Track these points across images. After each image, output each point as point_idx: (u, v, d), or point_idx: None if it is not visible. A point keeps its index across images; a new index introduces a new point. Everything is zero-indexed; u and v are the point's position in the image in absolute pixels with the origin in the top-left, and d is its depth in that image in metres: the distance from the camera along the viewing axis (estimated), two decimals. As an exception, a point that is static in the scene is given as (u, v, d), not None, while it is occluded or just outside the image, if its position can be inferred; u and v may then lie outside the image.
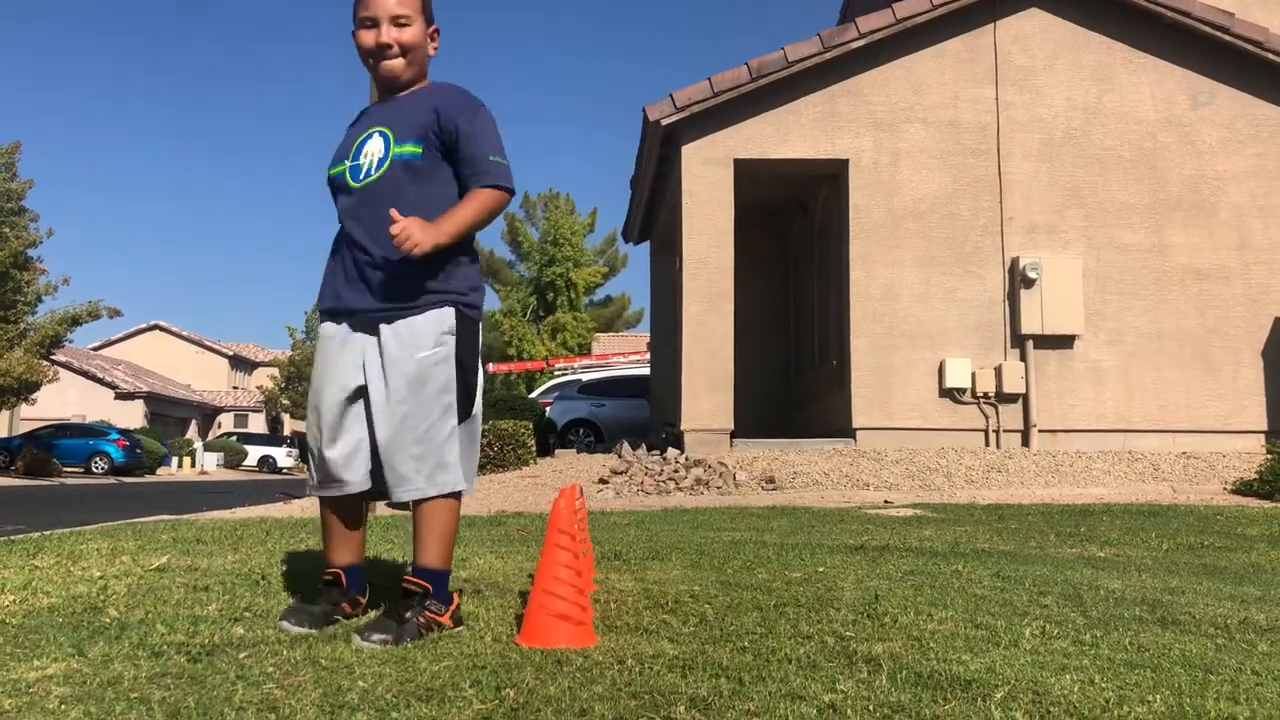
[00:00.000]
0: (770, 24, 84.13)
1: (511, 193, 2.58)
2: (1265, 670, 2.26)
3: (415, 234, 2.38)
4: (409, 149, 2.57)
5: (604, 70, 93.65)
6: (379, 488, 2.55)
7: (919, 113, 11.55)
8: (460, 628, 2.47)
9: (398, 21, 2.61)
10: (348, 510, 2.61)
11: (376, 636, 2.29)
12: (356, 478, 2.52)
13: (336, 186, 2.66)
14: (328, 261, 2.69)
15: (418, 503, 2.50)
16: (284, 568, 3.55)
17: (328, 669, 2.08)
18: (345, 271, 2.59)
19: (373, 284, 2.53)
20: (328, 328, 2.62)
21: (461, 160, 2.57)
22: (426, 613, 2.42)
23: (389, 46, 2.60)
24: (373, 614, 2.61)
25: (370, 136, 2.64)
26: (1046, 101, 11.56)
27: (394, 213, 2.42)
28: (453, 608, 2.49)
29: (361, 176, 2.61)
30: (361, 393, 2.52)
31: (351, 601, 2.60)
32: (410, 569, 2.54)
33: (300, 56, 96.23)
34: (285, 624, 2.44)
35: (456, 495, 2.52)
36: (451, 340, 2.52)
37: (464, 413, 2.55)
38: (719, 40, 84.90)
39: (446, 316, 2.53)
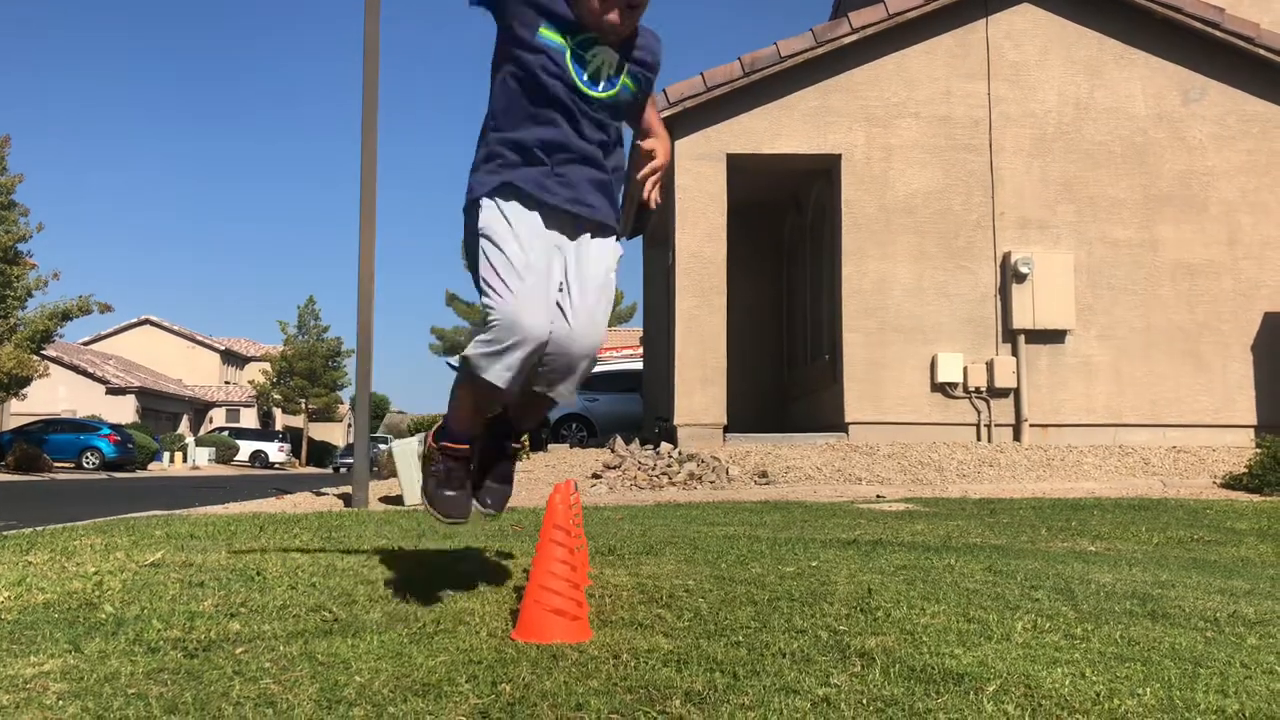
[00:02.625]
0: (763, 19, 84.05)
1: None
2: (1254, 663, 2.28)
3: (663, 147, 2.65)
4: (629, 84, 2.60)
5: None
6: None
7: (911, 107, 11.57)
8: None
9: None
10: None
11: (497, 503, 2.57)
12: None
13: (551, 59, 2.47)
14: (511, 142, 2.51)
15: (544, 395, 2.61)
16: (279, 563, 3.55)
17: (324, 664, 2.08)
18: (570, 172, 2.51)
19: (598, 195, 2.57)
20: (521, 210, 2.49)
21: (640, 103, 2.69)
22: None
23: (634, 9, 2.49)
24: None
25: (599, 43, 2.51)
26: (1038, 96, 11.59)
27: (656, 145, 2.58)
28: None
29: (586, 79, 2.51)
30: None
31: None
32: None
33: (291, 49, 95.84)
34: (455, 520, 2.59)
35: None
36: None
37: None
38: (711, 35, 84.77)
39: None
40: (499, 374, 2.40)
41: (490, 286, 2.40)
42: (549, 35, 2.47)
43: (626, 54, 2.57)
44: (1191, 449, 10.66)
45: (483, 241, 2.45)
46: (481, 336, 2.40)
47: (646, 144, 2.68)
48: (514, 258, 2.41)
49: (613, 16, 2.44)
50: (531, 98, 2.50)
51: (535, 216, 2.50)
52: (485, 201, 2.50)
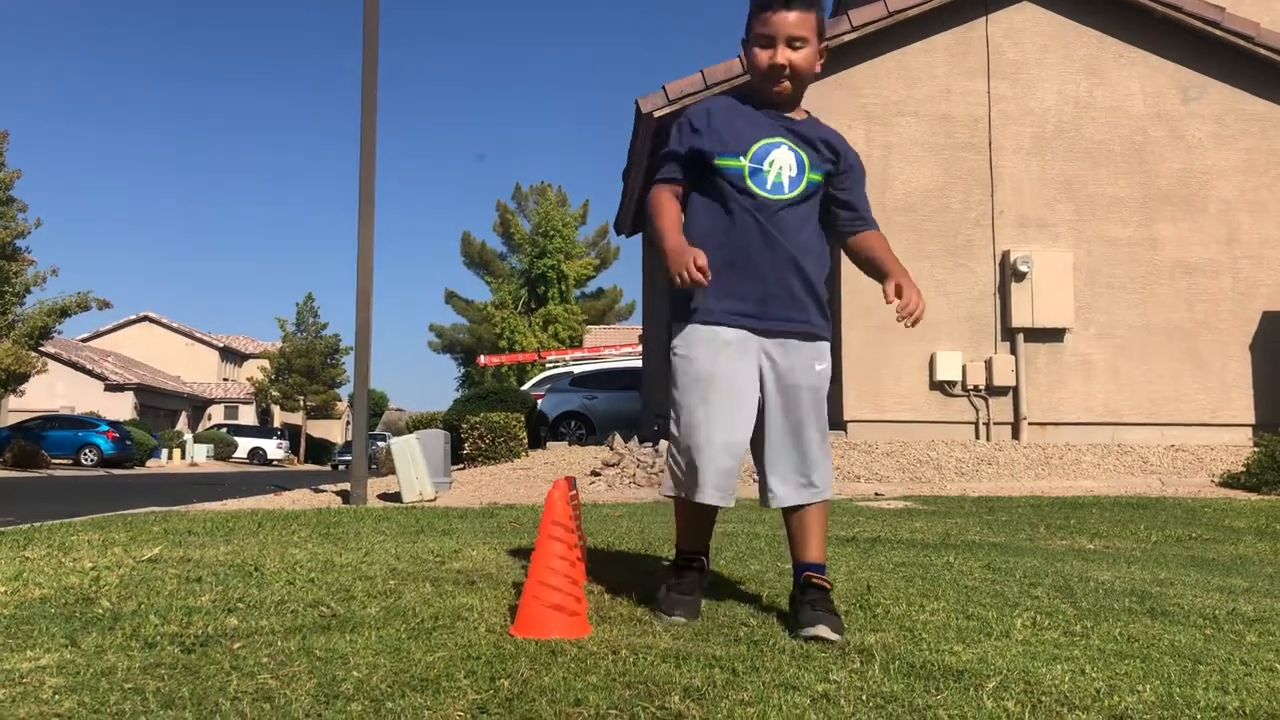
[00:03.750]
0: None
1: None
2: (1253, 660, 2.28)
3: (918, 301, 2.50)
4: (818, 178, 2.63)
5: (596, 61, 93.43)
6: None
7: (911, 105, 11.56)
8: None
9: (793, 44, 2.56)
10: None
11: (836, 632, 2.35)
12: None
13: (728, 180, 2.58)
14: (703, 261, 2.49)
15: (805, 506, 2.64)
16: (277, 559, 3.55)
17: (322, 659, 2.08)
18: (766, 284, 2.56)
19: (805, 304, 2.61)
20: (725, 333, 2.56)
21: (845, 200, 2.68)
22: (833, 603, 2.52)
23: (783, 69, 2.56)
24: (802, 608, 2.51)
25: (778, 145, 2.60)
26: (1038, 95, 11.59)
27: (903, 283, 2.50)
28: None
29: (769, 186, 2.57)
30: (753, 402, 2.57)
31: (703, 585, 2.70)
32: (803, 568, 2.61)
33: (291, 46, 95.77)
34: (677, 617, 2.48)
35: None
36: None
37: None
38: (712, 31, 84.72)
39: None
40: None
41: None
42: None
43: (810, 143, 2.64)
44: (1190, 447, 10.66)
45: None
46: None
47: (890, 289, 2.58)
48: None
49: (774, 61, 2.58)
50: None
51: (744, 338, 2.69)
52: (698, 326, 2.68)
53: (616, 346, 30.29)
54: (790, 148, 2.59)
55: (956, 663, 2.13)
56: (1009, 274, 11.19)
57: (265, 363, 49.15)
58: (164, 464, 36.15)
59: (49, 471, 24.76)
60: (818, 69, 2.65)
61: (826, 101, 11.49)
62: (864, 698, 1.86)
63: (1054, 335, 11.23)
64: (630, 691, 1.87)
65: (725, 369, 2.53)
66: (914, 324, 2.48)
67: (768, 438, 2.59)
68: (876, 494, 8.46)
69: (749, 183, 2.56)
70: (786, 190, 2.57)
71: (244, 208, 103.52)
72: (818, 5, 2.59)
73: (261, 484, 15.04)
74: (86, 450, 29.73)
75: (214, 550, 3.81)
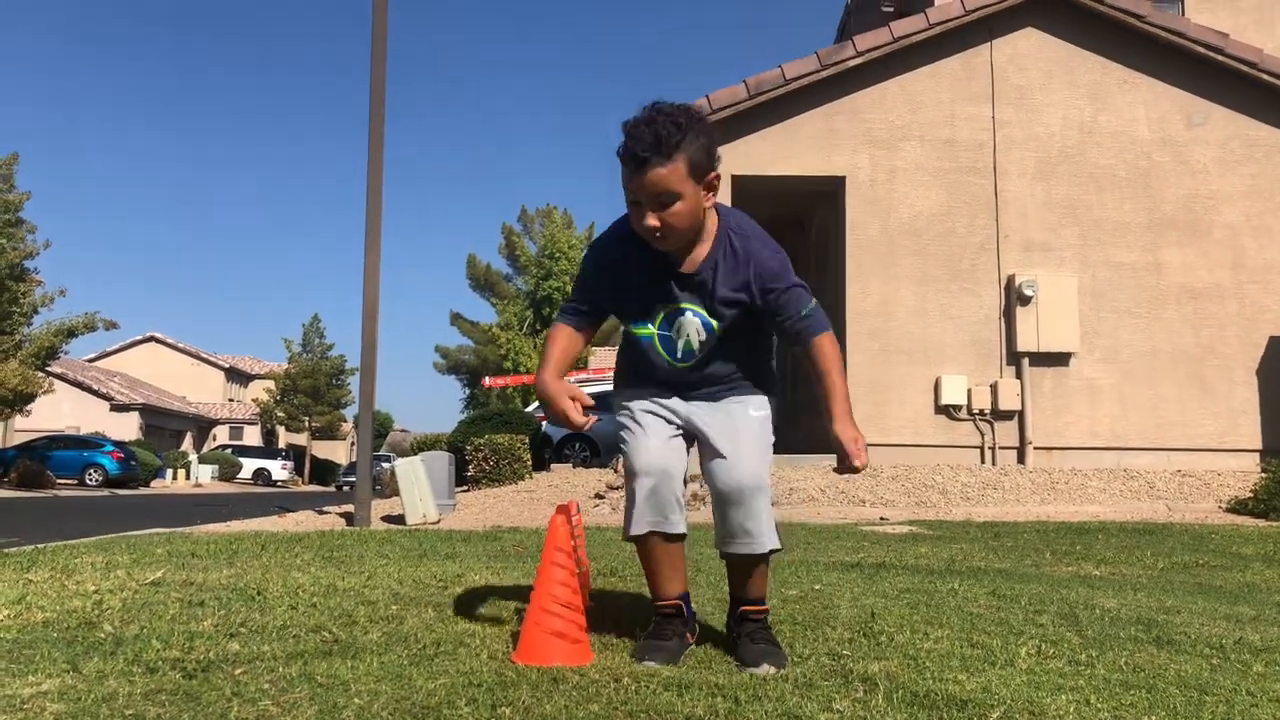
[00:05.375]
0: (768, 42, 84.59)
1: (829, 328, 2.53)
2: (1260, 691, 2.26)
3: (863, 455, 2.42)
4: (723, 329, 2.51)
5: (602, 86, 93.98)
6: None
7: (916, 130, 11.61)
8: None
9: (661, 202, 2.30)
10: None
11: (775, 663, 2.34)
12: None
13: (640, 342, 2.56)
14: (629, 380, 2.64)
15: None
16: (280, 583, 3.54)
17: (323, 686, 2.07)
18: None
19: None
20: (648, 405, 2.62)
21: (778, 318, 2.49)
22: (770, 632, 2.52)
23: (655, 230, 2.34)
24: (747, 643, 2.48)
25: (682, 313, 2.48)
26: (1042, 120, 11.63)
27: (853, 447, 2.41)
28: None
29: (680, 356, 2.52)
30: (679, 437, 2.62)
31: (692, 630, 2.61)
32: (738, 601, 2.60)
33: (296, 69, 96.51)
34: (649, 663, 2.35)
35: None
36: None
37: None
38: (716, 58, 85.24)
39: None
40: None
41: None
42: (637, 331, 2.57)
43: (715, 299, 2.48)
44: (1196, 473, 10.62)
45: None
46: None
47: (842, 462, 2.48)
48: None
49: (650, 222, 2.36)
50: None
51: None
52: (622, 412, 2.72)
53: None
54: (694, 312, 2.47)
55: (960, 692, 2.12)
56: (1014, 298, 11.19)
57: (270, 383, 49.23)
58: (169, 484, 36.14)
59: (54, 491, 24.77)
60: (707, 204, 2.39)
61: (831, 125, 11.56)
62: (867, 728, 1.85)
63: (1059, 359, 11.22)
64: (632, 720, 1.86)
65: (651, 410, 2.58)
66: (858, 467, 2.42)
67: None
68: (881, 518, 8.43)
69: (660, 350, 2.52)
70: (698, 354, 2.51)
71: (251, 230, 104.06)
72: (685, 147, 2.28)
73: (266, 505, 15.03)
74: (91, 470, 29.73)
75: (217, 573, 3.80)
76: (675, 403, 2.58)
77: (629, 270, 2.49)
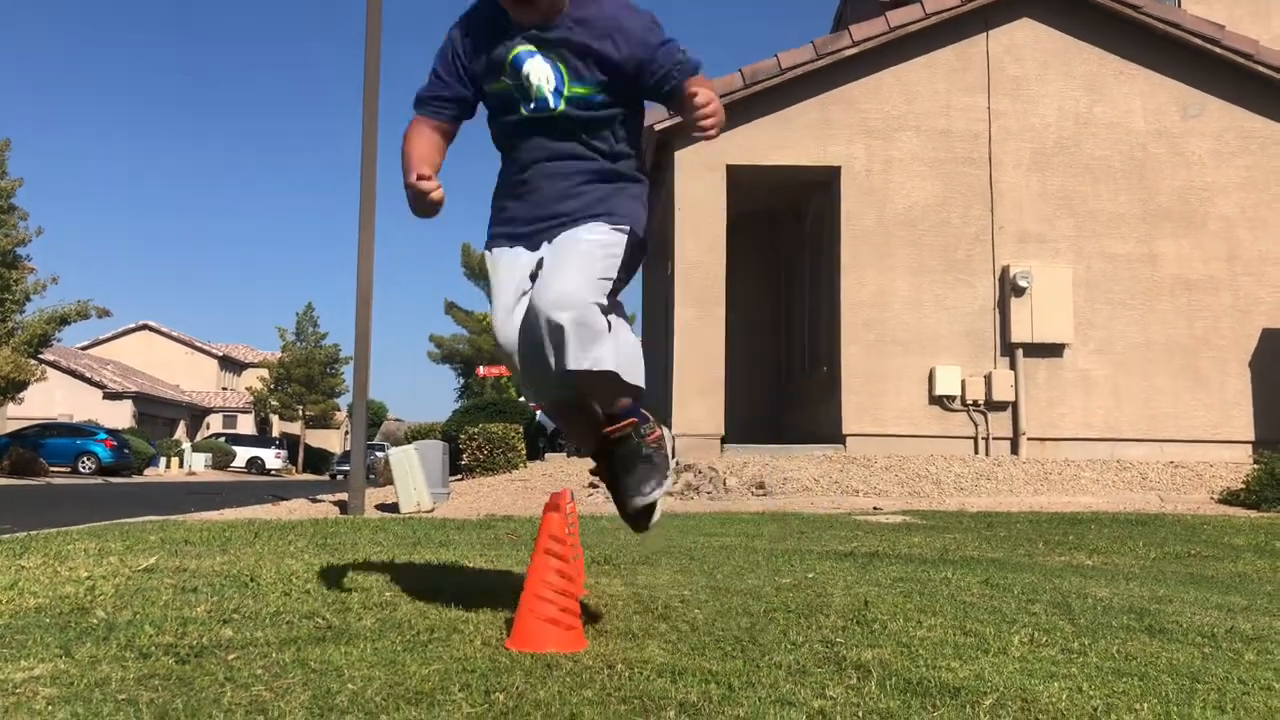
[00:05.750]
0: (763, 31, 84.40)
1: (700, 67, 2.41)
2: (1252, 679, 2.27)
3: (717, 111, 2.26)
4: (585, 91, 2.40)
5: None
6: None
7: (911, 120, 11.59)
8: (670, 432, 2.43)
9: None
10: None
11: (650, 487, 2.32)
12: None
13: (498, 103, 2.46)
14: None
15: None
16: (273, 569, 3.54)
17: (316, 671, 2.07)
18: (535, 193, 2.49)
19: (571, 200, 2.48)
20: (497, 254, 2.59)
21: (644, 68, 2.38)
22: (648, 440, 2.41)
23: None
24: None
25: (532, 54, 2.40)
26: (1038, 111, 11.62)
27: (702, 93, 2.26)
28: (653, 421, 2.47)
29: (534, 105, 2.42)
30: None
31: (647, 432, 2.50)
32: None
33: (291, 56, 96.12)
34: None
35: None
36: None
37: None
38: (712, 46, 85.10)
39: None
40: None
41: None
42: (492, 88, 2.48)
43: (570, 51, 2.39)
44: (1189, 464, 10.65)
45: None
46: None
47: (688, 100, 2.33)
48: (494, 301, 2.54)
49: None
50: (500, 148, 2.57)
51: (515, 252, 2.53)
52: (486, 253, 2.63)
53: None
54: (545, 56, 2.40)
55: (953, 680, 2.12)
56: (1009, 289, 11.20)
57: (264, 372, 49.15)
58: (162, 473, 36.10)
59: (47, 479, 24.72)
60: None
61: (827, 115, 11.54)
62: (860, 714, 1.86)
63: (1053, 350, 11.24)
64: (625, 706, 1.86)
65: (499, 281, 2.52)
66: (713, 131, 2.28)
67: None
68: (875, 508, 8.45)
69: (516, 101, 2.43)
70: (552, 104, 2.41)
71: (245, 218, 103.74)
72: None
73: (259, 493, 15.02)
74: (84, 458, 29.68)
75: (210, 560, 3.80)
76: (524, 253, 2.48)
77: (484, 30, 2.43)
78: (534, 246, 2.49)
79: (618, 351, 2.35)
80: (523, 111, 2.44)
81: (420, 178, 2.36)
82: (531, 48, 2.39)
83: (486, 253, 2.58)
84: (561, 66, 2.39)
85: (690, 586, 3.36)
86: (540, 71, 2.39)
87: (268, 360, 51.45)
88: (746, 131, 11.52)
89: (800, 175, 12.13)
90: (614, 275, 2.40)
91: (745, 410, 13.41)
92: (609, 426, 2.43)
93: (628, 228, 2.45)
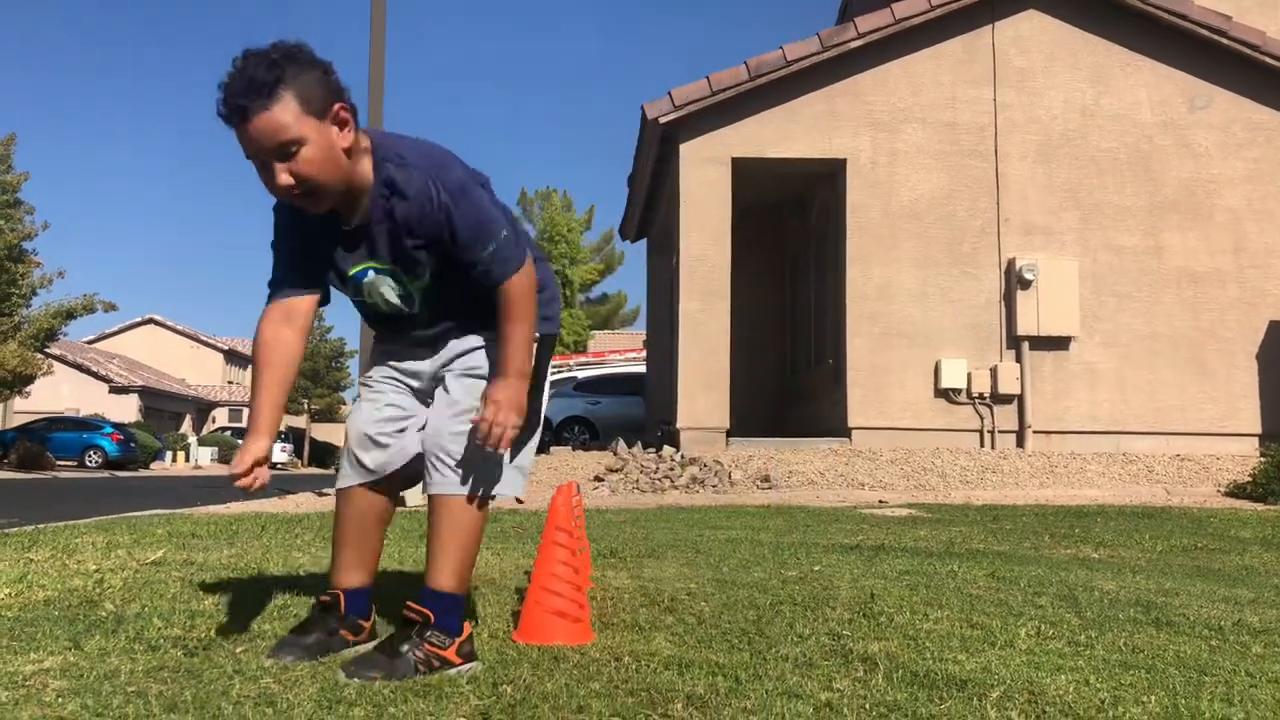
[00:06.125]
0: (770, 23, 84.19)
1: (522, 263, 2.14)
2: (1259, 672, 2.27)
3: (505, 416, 2.07)
4: (423, 282, 2.18)
5: (602, 66, 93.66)
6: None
7: (917, 113, 11.56)
8: (473, 665, 2.10)
9: (285, 153, 1.95)
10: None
11: (365, 673, 1.97)
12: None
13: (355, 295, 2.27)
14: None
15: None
16: (280, 563, 3.55)
17: (324, 664, 2.08)
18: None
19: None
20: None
21: (456, 260, 2.13)
22: (426, 645, 2.06)
23: (293, 188, 1.97)
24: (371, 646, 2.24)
25: (365, 274, 2.18)
26: (1044, 103, 11.58)
27: (497, 396, 2.09)
28: (461, 639, 2.11)
29: (385, 311, 2.24)
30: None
31: (353, 628, 2.26)
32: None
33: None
34: (279, 657, 2.09)
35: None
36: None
37: None
38: (718, 38, 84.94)
39: None
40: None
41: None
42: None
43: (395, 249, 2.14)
44: (1195, 457, 10.63)
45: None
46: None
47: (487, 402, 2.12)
48: None
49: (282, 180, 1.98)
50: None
51: None
52: None
53: (621, 351, 30.29)
54: (376, 270, 2.17)
55: (960, 672, 2.12)
56: (1014, 282, 11.18)
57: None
58: (168, 466, 36.21)
59: (54, 473, 24.81)
60: (344, 143, 2.01)
61: (832, 107, 11.52)
62: (867, 706, 1.86)
63: (1059, 343, 11.21)
64: (633, 699, 1.87)
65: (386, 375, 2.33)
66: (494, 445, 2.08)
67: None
68: (880, 501, 8.45)
69: (372, 317, 2.29)
70: (405, 309, 2.22)
71: (250, 210, 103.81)
72: (288, 82, 1.94)
73: (266, 487, 15.01)
74: (91, 452, 29.77)
75: (218, 553, 3.81)
76: (415, 365, 2.30)
77: (314, 234, 2.15)
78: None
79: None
80: (378, 323, 2.34)
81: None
82: (365, 267, 2.18)
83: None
84: (392, 269, 2.18)
85: (696, 579, 3.36)
86: (381, 285, 2.20)
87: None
88: (752, 124, 11.50)
89: (806, 168, 12.10)
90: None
91: (750, 403, 13.41)
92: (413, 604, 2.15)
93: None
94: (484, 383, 2.18)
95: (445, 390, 2.24)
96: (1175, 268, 11.37)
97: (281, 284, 2.20)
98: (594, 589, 3.02)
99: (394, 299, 2.20)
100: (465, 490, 2.15)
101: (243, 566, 3.43)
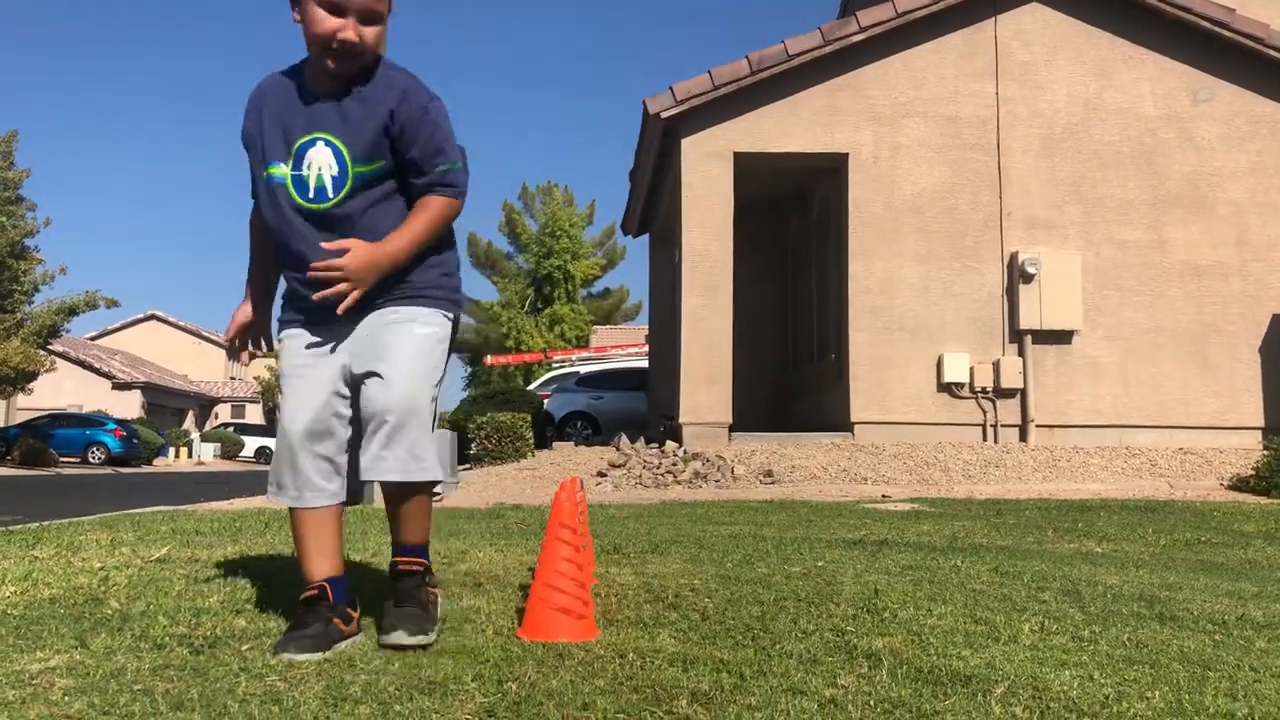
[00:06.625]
0: (770, 16, 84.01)
1: (461, 195, 2.35)
2: (1263, 667, 2.27)
3: (354, 268, 2.20)
4: (368, 169, 2.29)
5: (604, 60, 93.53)
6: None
7: (919, 107, 11.54)
8: (439, 590, 2.41)
9: (368, 18, 2.22)
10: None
11: (419, 630, 2.17)
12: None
13: (276, 192, 2.31)
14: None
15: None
16: (285, 559, 3.56)
17: (330, 662, 2.08)
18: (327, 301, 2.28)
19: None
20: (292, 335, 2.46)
21: (408, 164, 2.30)
22: (427, 589, 2.31)
23: (354, 45, 2.22)
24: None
25: (313, 144, 2.29)
26: (1047, 96, 11.56)
27: (352, 247, 2.23)
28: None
29: (311, 195, 2.29)
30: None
31: (344, 616, 2.30)
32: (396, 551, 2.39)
33: (296, 43, 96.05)
34: (286, 654, 2.12)
35: None
36: None
37: None
38: (719, 32, 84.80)
39: None
40: None
41: None
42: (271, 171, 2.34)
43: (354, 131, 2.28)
44: (1198, 451, 10.63)
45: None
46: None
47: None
48: None
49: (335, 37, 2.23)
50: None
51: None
52: None
53: (623, 346, 30.30)
54: (327, 142, 2.28)
55: (964, 668, 2.12)
56: (1017, 275, 11.16)
57: (272, 361, 49.14)
58: (171, 462, 36.25)
59: (57, 470, 24.86)
60: (383, 49, 2.32)
61: (834, 101, 11.50)
62: (871, 703, 1.86)
63: (1062, 337, 11.21)
64: (638, 695, 1.87)
65: (295, 365, 2.39)
66: (336, 303, 2.23)
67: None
68: (884, 496, 8.45)
69: (293, 194, 2.30)
70: (331, 195, 2.28)
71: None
72: None
73: (268, 483, 15.04)
74: (94, 448, 29.81)
75: (221, 551, 3.82)
76: (324, 330, 2.35)
77: (281, 106, 2.33)
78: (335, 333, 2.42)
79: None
80: (299, 199, 2.35)
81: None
82: (315, 135, 2.31)
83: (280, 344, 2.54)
84: (342, 147, 2.30)
85: (700, 575, 3.36)
86: (322, 157, 2.31)
87: (276, 350, 51.45)
88: (753, 118, 11.49)
89: (808, 162, 12.09)
90: None
91: (753, 398, 13.41)
92: (404, 558, 2.35)
93: (438, 324, 2.44)
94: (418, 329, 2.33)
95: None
96: (1178, 261, 11.35)
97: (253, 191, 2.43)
98: (598, 585, 3.03)
99: (327, 179, 2.28)
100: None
101: (247, 564, 3.44)
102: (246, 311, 2.47)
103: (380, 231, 2.29)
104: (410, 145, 2.28)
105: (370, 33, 2.23)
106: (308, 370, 2.37)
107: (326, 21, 2.21)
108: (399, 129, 2.26)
